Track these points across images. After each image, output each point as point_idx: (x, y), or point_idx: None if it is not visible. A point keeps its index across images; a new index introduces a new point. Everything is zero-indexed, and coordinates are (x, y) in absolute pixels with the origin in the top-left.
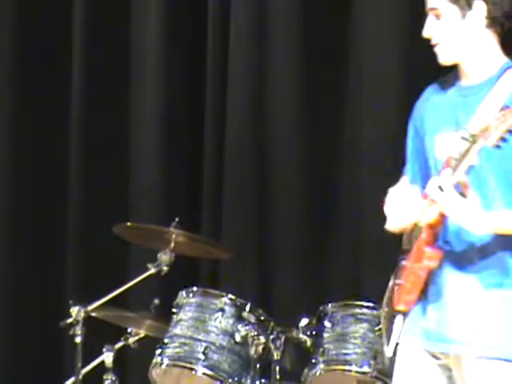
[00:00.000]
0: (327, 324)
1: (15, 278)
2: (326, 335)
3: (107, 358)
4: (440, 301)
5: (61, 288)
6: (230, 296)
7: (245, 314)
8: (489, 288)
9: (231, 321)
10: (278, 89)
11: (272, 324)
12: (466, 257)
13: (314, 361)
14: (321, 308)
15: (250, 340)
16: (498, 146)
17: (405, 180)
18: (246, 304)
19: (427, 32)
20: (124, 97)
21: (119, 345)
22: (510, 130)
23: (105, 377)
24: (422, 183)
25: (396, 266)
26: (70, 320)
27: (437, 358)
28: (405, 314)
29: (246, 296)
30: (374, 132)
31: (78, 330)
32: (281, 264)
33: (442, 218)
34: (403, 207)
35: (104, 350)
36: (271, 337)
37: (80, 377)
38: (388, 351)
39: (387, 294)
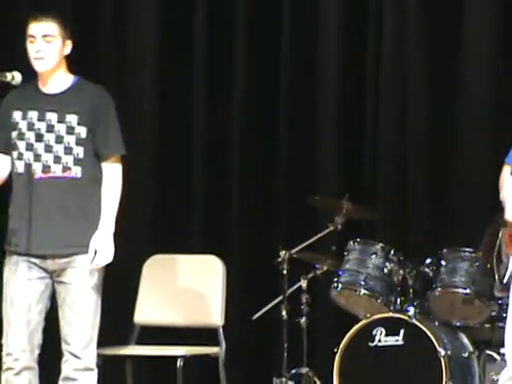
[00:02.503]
0: (443, 262)
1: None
2: (442, 270)
3: (303, 283)
4: None
5: (273, 237)
6: (381, 244)
7: (390, 256)
8: None
9: (381, 260)
10: None
11: (408, 262)
12: None
13: (434, 286)
14: (439, 251)
15: (393, 272)
16: None
17: (506, 168)
18: (391, 249)
19: None
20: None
21: (310, 275)
22: None
23: (302, 296)
24: None
25: (491, 224)
26: (279, 259)
27: None
28: None
29: (392, 243)
30: None
31: (285, 265)
32: (413, 222)
33: None
34: None
35: (301, 278)
36: (407, 270)
37: (286, 295)
38: (505, 280)
39: (498, 243)
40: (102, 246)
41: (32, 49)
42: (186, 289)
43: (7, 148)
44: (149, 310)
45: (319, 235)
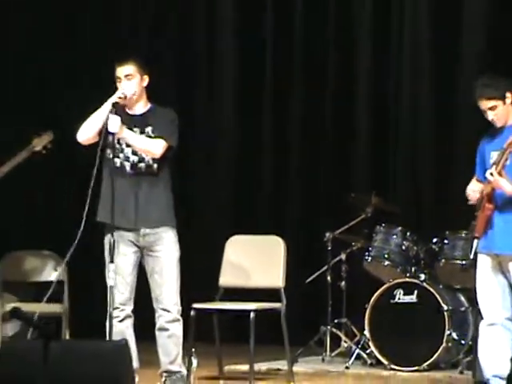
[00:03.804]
0: (446, 241)
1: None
2: (445, 246)
3: (343, 256)
4: (493, 226)
5: (321, 223)
6: (400, 228)
7: (407, 236)
8: None
9: (400, 239)
10: None
11: (420, 241)
12: (504, 204)
13: (439, 258)
14: (443, 233)
15: (409, 248)
16: None
17: (475, 177)
18: (408, 231)
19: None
20: None
21: (348, 250)
22: None
23: (342, 266)
24: (484, 176)
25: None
26: (325, 239)
27: (498, 256)
28: (478, 239)
29: (408, 227)
30: None
31: (329, 243)
32: (424, 212)
33: (493, 190)
34: (475, 190)
35: (341, 252)
36: (419, 247)
37: (330, 265)
38: (471, 256)
39: (470, 228)
40: (116, 123)
41: (119, 86)
42: (257, 260)
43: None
44: (230, 275)
45: (354, 221)
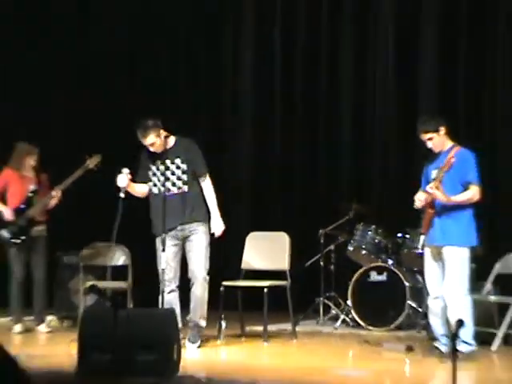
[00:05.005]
0: (407, 236)
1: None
2: (406, 240)
3: (332, 247)
4: (434, 225)
5: (316, 222)
6: (373, 226)
7: (379, 232)
8: (449, 217)
9: (374, 234)
10: None
11: (388, 236)
12: (441, 209)
13: (402, 248)
14: (405, 230)
15: (381, 241)
16: (448, 171)
17: (420, 189)
18: (379, 229)
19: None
20: None
21: (336, 242)
22: (452, 165)
23: (331, 254)
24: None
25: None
26: (319, 234)
27: (437, 247)
28: (424, 235)
29: (380, 226)
30: None
31: (322, 237)
32: (391, 215)
33: (433, 199)
34: (420, 199)
35: (331, 244)
36: (388, 240)
37: (323, 253)
38: (419, 249)
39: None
40: (217, 224)
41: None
42: (269, 249)
43: (145, 180)
44: (249, 260)
45: (341, 221)
